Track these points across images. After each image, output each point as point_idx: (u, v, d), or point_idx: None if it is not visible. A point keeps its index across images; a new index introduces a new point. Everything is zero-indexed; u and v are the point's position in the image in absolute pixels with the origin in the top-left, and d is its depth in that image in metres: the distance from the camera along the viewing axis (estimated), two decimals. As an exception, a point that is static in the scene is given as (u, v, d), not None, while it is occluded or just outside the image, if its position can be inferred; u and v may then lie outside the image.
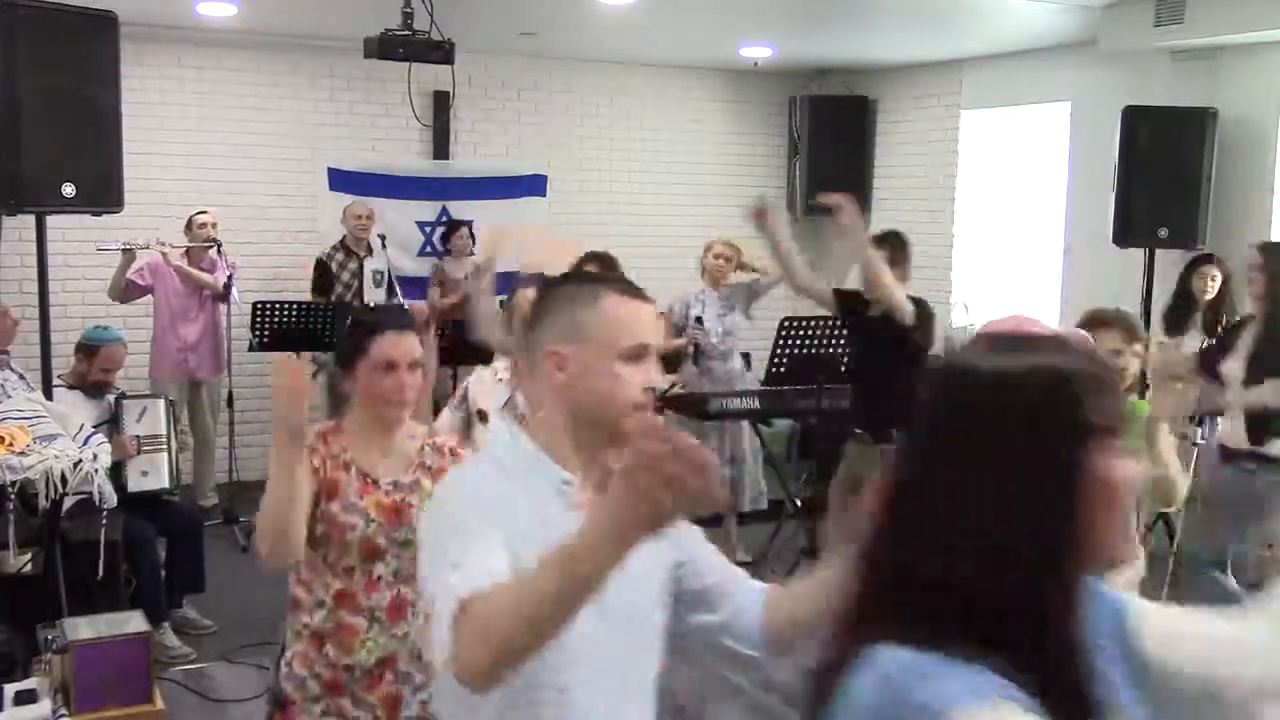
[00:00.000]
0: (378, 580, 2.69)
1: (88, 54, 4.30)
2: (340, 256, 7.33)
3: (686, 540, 1.80)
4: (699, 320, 6.40)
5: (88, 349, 5.22)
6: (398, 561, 2.69)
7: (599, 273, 3.59)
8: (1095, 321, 3.52)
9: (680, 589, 1.78)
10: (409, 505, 2.71)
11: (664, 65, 8.86)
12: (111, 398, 5.25)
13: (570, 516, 1.55)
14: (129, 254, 6.52)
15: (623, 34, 7.51)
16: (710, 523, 4.54)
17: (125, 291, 6.71)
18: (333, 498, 2.68)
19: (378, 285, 7.34)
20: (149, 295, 6.85)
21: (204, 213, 6.91)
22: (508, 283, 8.08)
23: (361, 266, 7.28)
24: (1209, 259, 6.11)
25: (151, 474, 5.16)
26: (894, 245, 5.25)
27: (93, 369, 5.20)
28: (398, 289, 7.28)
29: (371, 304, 7.10)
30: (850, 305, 5.30)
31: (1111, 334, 3.45)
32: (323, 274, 7.26)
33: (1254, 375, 4.71)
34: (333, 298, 7.16)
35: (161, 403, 5.38)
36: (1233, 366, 4.81)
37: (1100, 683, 1.18)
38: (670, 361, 6.02)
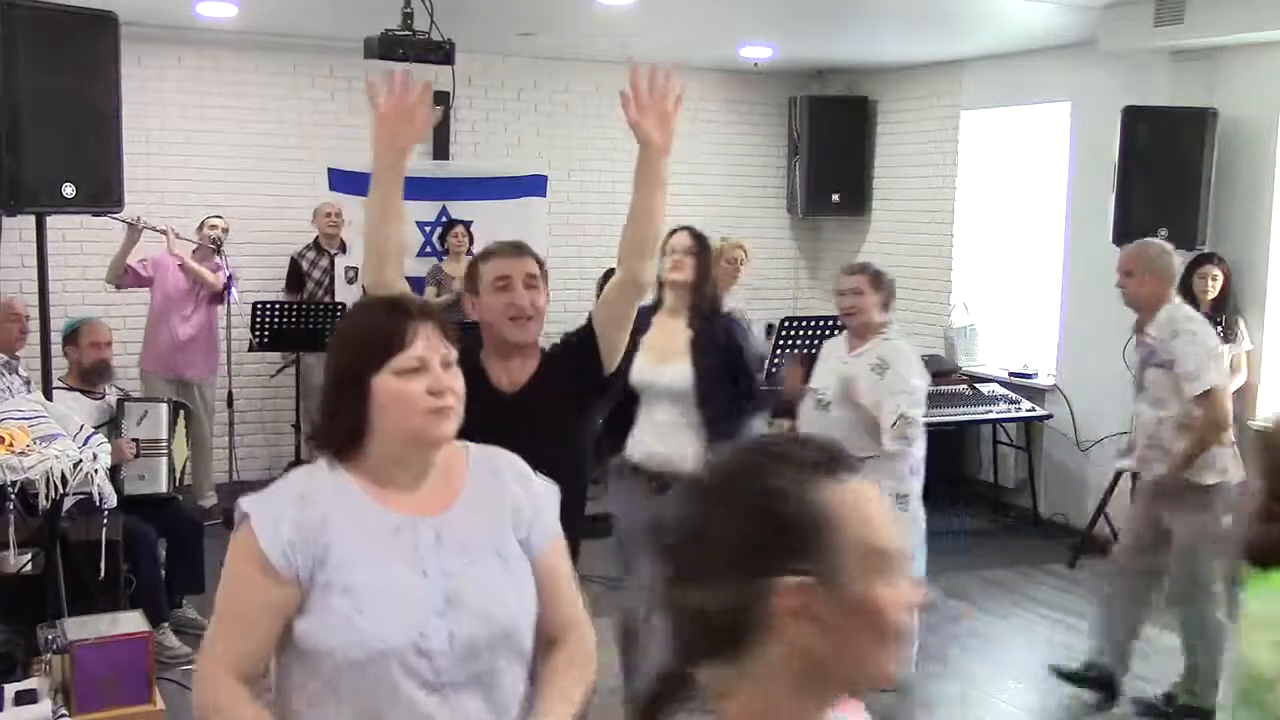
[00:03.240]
0: None
1: (88, 54, 4.30)
2: (311, 255, 7.41)
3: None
4: None
5: (69, 337, 5.27)
6: None
7: None
8: None
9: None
10: None
11: (664, 65, 8.84)
12: (114, 399, 5.25)
13: None
14: (135, 231, 6.47)
15: (623, 34, 7.51)
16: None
17: (123, 276, 6.68)
18: None
19: (350, 283, 7.40)
20: (145, 288, 6.84)
21: (218, 217, 6.94)
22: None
23: (333, 264, 7.36)
24: (1210, 259, 6.12)
25: (149, 478, 5.15)
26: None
27: (83, 352, 5.21)
28: None
29: (344, 303, 7.13)
30: None
31: None
32: (294, 272, 7.35)
33: None
34: (304, 295, 7.23)
35: (164, 407, 5.37)
36: None
37: None
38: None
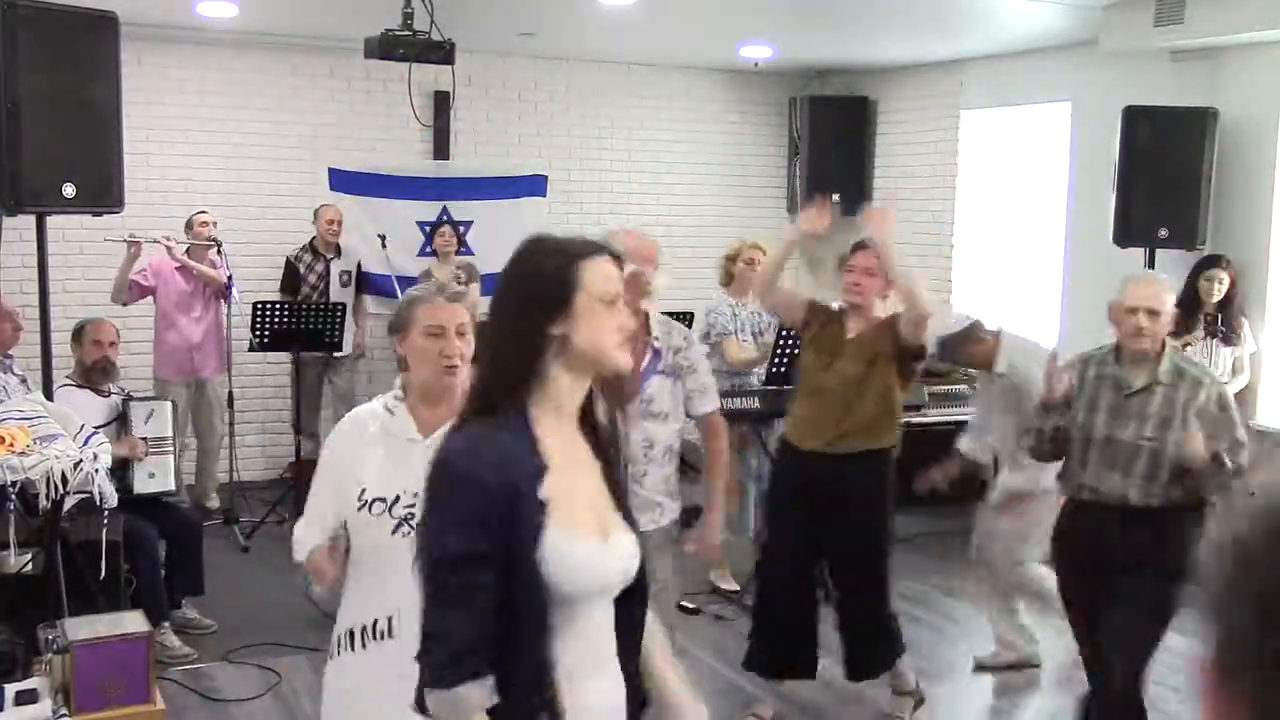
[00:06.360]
0: None
1: (88, 54, 4.30)
2: (308, 258, 7.38)
3: None
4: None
5: (75, 335, 5.32)
6: None
7: None
8: None
9: None
10: None
11: (664, 65, 8.86)
12: (119, 399, 5.26)
13: None
14: (135, 246, 6.50)
15: (623, 34, 7.51)
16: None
17: (128, 292, 6.71)
18: None
19: (344, 285, 7.44)
20: (150, 297, 6.85)
21: (203, 212, 6.92)
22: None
23: (328, 268, 7.36)
24: (1217, 261, 6.09)
25: (159, 476, 5.18)
26: None
27: (85, 350, 5.25)
28: (370, 286, 7.67)
29: (337, 303, 7.14)
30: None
31: None
32: (290, 274, 7.33)
33: None
34: (298, 299, 7.22)
35: (169, 405, 5.42)
36: None
37: None
38: None
